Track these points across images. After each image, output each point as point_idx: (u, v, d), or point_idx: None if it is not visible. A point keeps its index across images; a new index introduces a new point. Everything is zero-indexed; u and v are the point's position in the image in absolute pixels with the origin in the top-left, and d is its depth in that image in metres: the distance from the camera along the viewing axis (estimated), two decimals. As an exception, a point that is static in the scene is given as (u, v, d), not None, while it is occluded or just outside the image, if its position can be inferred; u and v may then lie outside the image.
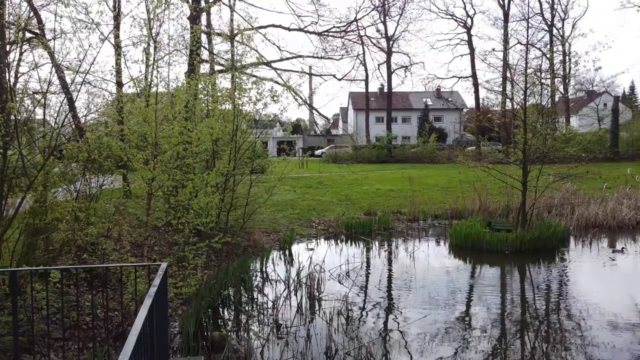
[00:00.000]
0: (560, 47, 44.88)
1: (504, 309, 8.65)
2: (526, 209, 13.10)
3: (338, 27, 25.85)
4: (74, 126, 10.25)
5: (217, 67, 19.17)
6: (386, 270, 11.37)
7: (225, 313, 8.49)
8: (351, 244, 13.69)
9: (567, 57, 42.05)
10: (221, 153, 11.22)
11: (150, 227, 8.88)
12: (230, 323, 8.05)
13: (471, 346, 6.82)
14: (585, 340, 6.93)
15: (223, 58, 20.20)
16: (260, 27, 20.64)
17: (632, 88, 77.84)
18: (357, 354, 6.42)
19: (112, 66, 10.65)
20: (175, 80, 10.54)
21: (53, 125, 8.72)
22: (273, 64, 21.12)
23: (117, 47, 9.76)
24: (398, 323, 7.70)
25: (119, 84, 10.85)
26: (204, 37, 20.16)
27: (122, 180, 10.80)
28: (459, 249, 12.77)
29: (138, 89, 9.56)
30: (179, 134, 8.27)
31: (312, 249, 12.88)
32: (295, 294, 8.92)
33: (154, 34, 9.11)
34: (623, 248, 12.71)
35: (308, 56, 24.81)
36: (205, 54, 19.75)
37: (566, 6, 45.91)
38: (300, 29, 23.54)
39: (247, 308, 8.55)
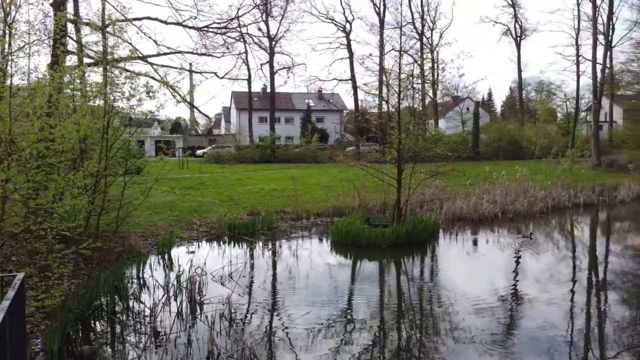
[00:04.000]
0: (429, 55, 48.48)
1: (382, 301, 9.08)
2: (401, 205, 13.89)
3: (219, 23, 25.29)
4: None
5: (86, 60, 17.69)
6: (270, 269, 11.35)
7: (97, 325, 7.85)
8: (234, 245, 13.47)
9: (435, 64, 45.47)
10: (91, 152, 10.36)
11: (6, 235, 7.91)
12: (103, 335, 7.45)
13: (353, 339, 7.04)
14: (453, 325, 7.50)
15: (93, 50, 18.74)
16: (135, 19, 19.45)
17: (490, 94, 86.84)
18: (240, 355, 6.29)
19: (-44, 53, 9.33)
20: (35, 71, 9.53)
21: None
22: (149, 59, 20.01)
23: (-38, 31, 8.57)
24: (282, 322, 7.71)
25: (-35, 74, 9.52)
26: (70, 27, 18.50)
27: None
28: (340, 245, 13.15)
29: (-11, 79, 8.47)
30: (39, 131, 7.46)
31: (193, 252, 12.43)
32: (175, 299, 8.53)
33: (8, 20, 8.14)
34: (531, 233, 14.19)
35: (187, 52, 23.88)
36: (72, 45, 18.15)
37: (434, 17, 49.80)
38: (178, 23, 22.62)
39: (122, 318, 7.99)
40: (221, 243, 13.62)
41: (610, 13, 37.27)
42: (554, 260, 11.97)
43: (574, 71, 45.36)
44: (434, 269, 11.62)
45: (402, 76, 14.67)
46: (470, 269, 11.56)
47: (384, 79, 15.99)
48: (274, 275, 10.77)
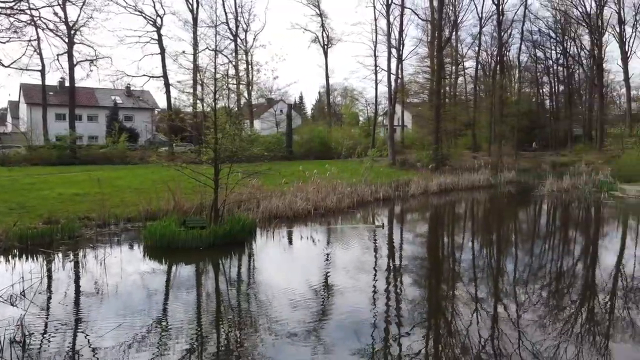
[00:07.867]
0: (244, 56, 49.04)
1: (200, 305, 8.86)
2: (218, 205, 13.76)
3: (3, 2, 21.90)
4: None
5: None
6: (72, 283, 10.19)
7: None
8: (27, 259, 11.78)
9: (250, 66, 46.15)
10: None
11: None
12: None
13: (170, 346, 6.72)
14: (272, 320, 7.70)
15: None
16: None
17: (301, 98, 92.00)
18: (37, 384, 5.51)
19: None
20: None
21: None
22: None
23: None
24: (89, 339, 6.98)
25: None
26: None
27: None
28: (154, 250, 12.47)
29: None
30: None
31: (-28, 270, 10.52)
32: (-52, 329, 7.10)
33: None
34: (383, 224, 15.20)
35: (-40, 34, 20.16)
36: None
37: (248, 19, 50.70)
38: (-54, -1, 18.96)
39: None
40: (10, 257, 11.79)
41: (401, 30, 42.41)
42: (360, 250, 13.11)
43: (373, 79, 50.63)
44: (251, 267, 11.77)
45: (218, 76, 14.51)
46: (286, 265, 12.01)
47: (199, 77, 15.57)
48: (78, 289, 9.71)
